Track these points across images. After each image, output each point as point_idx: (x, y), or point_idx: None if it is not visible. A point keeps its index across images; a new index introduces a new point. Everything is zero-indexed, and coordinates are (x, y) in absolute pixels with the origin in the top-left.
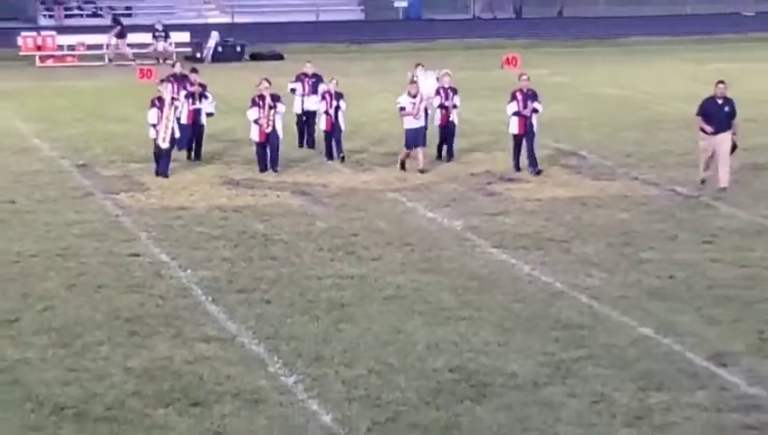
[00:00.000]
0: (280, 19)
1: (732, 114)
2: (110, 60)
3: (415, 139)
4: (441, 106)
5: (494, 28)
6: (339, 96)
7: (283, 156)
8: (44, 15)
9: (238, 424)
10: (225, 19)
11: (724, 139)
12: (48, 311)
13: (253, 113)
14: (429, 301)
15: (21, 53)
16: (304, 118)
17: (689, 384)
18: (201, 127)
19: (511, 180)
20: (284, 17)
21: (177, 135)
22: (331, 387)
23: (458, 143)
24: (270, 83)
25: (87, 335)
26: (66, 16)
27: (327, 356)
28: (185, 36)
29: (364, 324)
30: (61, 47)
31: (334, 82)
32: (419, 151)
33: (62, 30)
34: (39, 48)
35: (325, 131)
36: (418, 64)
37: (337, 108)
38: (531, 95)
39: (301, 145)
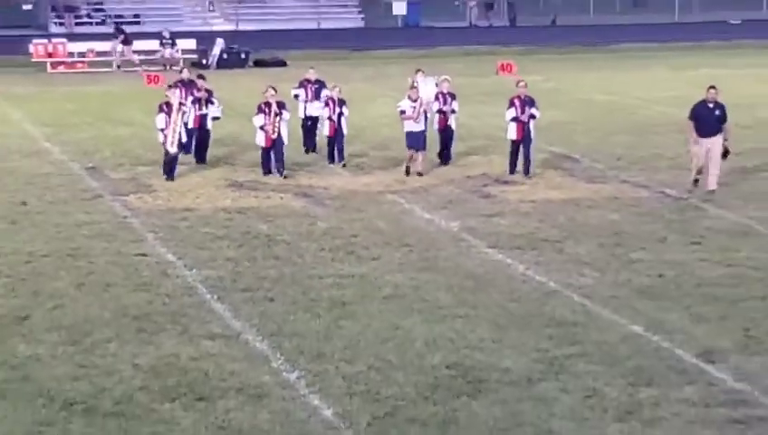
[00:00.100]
0: (283, 27)
1: (723, 118)
2: (118, 66)
3: (416, 142)
4: (439, 111)
5: (490, 35)
6: (342, 102)
7: (287, 160)
8: (55, 23)
9: (242, 418)
10: (230, 26)
11: (715, 142)
12: (58, 309)
13: (259, 120)
14: (427, 299)
15: (33, 60)
16: (308, 123)
17: (678, 380)
18: (207, 132)
19: (506, 183)
20: (287, 25)
21: (185, 140)
22: (332, 382)
23: (455, 147)
24: (276, 91)
25: (96, 333)
26: (76, 24)
27: (328, 353)
28: (191, 43)
29: (364, 322)
30: (71, 54)
31: (337, 89)
32: (419, 156)
33: (73, 37)
34: (50, 55)
35: (328, 137)
36: (419, 70)
37: (340, 114)
38: (528, 101)
39: (306, 151)
